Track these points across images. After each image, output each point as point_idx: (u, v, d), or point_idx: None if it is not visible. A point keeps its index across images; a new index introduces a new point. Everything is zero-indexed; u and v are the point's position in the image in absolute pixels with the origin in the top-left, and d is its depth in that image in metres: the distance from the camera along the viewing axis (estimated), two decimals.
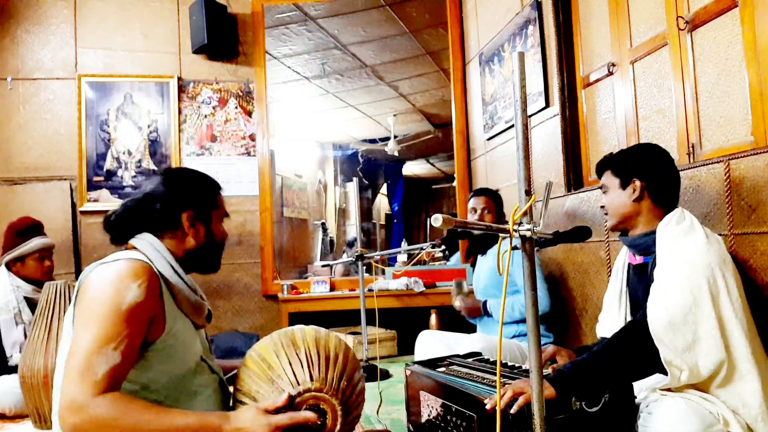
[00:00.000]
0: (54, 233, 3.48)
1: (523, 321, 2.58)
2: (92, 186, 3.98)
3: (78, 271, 3.89)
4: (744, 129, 1.84)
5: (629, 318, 1.76)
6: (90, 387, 1.09)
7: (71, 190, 3.95)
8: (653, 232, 1.61)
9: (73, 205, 3.94)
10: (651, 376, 1.52)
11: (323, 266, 4.56)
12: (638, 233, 1.68)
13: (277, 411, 1.19)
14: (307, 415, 1.19)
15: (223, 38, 4.05)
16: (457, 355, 2.03)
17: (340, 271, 4.62)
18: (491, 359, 1.95)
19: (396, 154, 6.00)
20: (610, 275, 1.93)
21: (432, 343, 2.53)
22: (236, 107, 4.22)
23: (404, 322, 3.83)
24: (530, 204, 1.11)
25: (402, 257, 4.42)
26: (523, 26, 3.16)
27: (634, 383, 1.53)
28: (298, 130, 5.75)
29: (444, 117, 4.92)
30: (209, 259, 1.45)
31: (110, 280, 1.20)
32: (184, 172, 1.47)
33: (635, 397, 1.54)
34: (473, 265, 3.16)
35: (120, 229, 1.38)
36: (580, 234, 1.58)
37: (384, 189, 6.98)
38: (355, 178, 3.52)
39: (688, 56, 2.07)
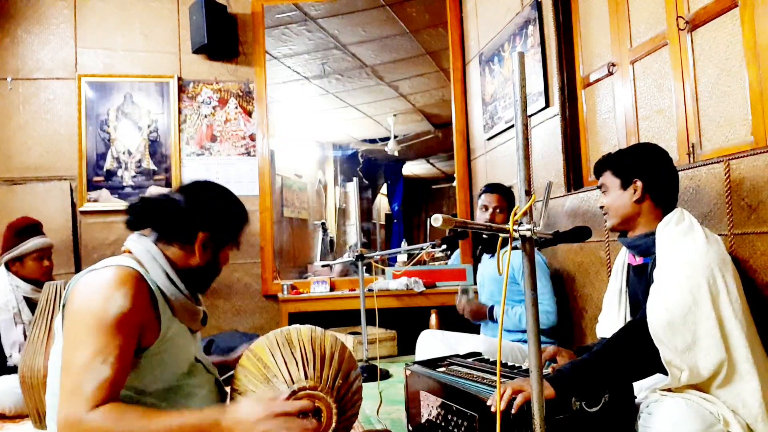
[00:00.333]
0: (54, 233, 3.48)
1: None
2: (92, 186, 3.98)
3: (78, 271, 3.87)
4: (744, 129, 1.84)
5: (629, 318, 1.76)
6: (82, 403, 1.09)
7: (71, 190, 3.95)
8: (653, 233, 1.61)
9: (73, 205, 3.94)
10: (651, 376, 1.52)
11: (323, 266, 4.56)
12: (637, 234, 1.68)
13: None
14: (302, 403, 1.18)
15: (223, 38, 4.05)
16: (457, 355, 2.03)
17: (340, 271, 4.62)
18: (491, 359, 1.95)
19: (396, 154, 6.00)
20: (610, 275, 1.93)
21: (433, 342, 2.53)
22: (236, 107, 4.22)
23: (404, 322, 3.83)
24: (530, 204, 1.11)
25: (402, 257, 4.42)
26: (523, 26, 3.16)
27: (634, 383, 1.53)
28: (298, 130, 5.75)
29: (444, 117, 4.92)
30: (203, 281, 1.42)
31: (96, 290, 1.18)
32: (222, 194, 1.44)
33: (635, 397, 1.54)
34: (474, 266, 3.15)
35: (141, 218, 1.36)
36: (580, 234, 1.58)
37: (384, 189, 6.98)
38: (355, 178, 3.52)
39: (688, 56, 2.07)
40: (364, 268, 3.27)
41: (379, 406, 2.50)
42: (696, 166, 1.92)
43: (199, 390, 1.35)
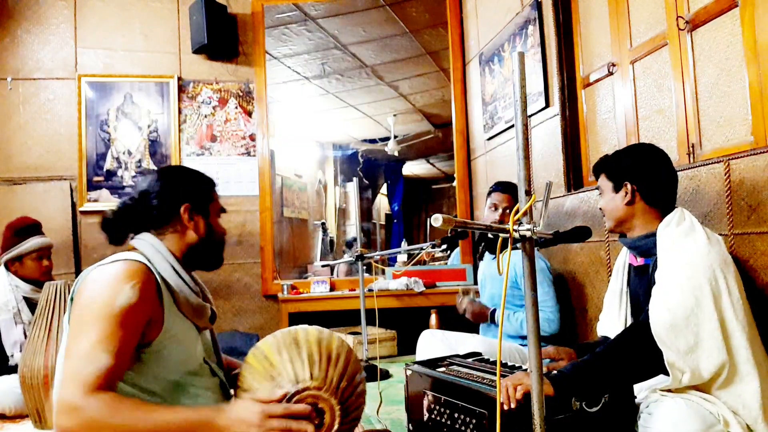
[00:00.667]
0: (54, 233, 3.48)
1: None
2: (92, 186, 3.98)
3: (78, 271, 3.89)
4: (744, 129, 1.84)
5: (629, 319, 1.76)
6: (80, 388, 1.10)
7: (71, 190, 3.95)
8: (653, 234, 1.61)
9: (73, 205, 3.94)
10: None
11: (323, 266, 4.56)
12: (637, 235, 1.68)
13: None
14: (300, 407, 1.18)
15: (223, 38, 4.05)
16: (457, 355, 2.03)
17: (341, 271, 4.62)
18: (491, 359, 1.95)
19: (396, 154, 5.99)
20: (610, 275, 1.93)
21: (433, 342, 2.52)
22: (236, 107, 4.22)
23: (404, 322, 3.83)
24: (530, 204, 1.12)
25: (402, 257, 4.42)
26: (523, 26, 3.16)
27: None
28: (298, 130, 5.74)
29: (444, 117, 4.92)
30: (212, 253, 1.45)
31: (104, 282, 1.20)
32: (178, 169, 1.49)
33: (635, 398, 1.54)
34: (474, 265, 3.15)
35: (118, 229, 1.38)
36: (580, 234, 1.58)
37: (384, 189, 6.97)
38: (355, 178, 3.51)
39: (688, 56, 2.07)
40: (364, 268, 3.27)
41: (379, 406, 2.50)
42: (696, 166, 1.92)
43: (203, 392, 1.35)
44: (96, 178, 3.99)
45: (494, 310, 2.69)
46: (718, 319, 1.41)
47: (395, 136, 5.88)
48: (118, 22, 4.09)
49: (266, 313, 4.13)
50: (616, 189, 1.69)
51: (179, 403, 1.28)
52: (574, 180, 2.81)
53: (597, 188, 1.79)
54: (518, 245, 1.15)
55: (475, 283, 3.23)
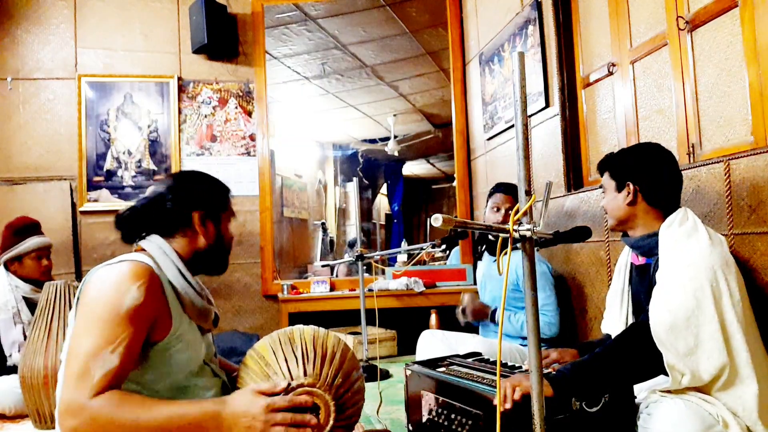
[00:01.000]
0: (54, 233, 3.49)
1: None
2: (92, 186, 3.98)
3: (78, 271, 3.89)
4: (744, 129, 1.84)
5: (631, 318, 1.76)
6: (87, 389, 1.10)
7: (71, 190, 3.95)
8: (655, 234, 1.61)
9: (73, 205, 3.94)
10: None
11: (323, 266, 4.56)
12: (639, 235, 1.68)
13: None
14: (303, 398, 1.20)
15: (223, 38, 4.05)
16: (457, 355, 2.03)
17: (341, 271, 4.62)
18: (491, 359, 1.95)
19: (396, 154, 5.99)
20: (610, 275, 1.94)
21: (433, 342, 2.52)
22: (236, 107, 4.22)
23: (404, 322, 3.82)
24: (530, 204, 1.11)
25: (402, 257, 4.42)
26: (523, 26, 3.16)
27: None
28: (298, 130, 5.74)
29: (444, 117, 4.92)
30: (218, 259, 1.46)
31: (110, 282, 1.20)
32: (196, 175, 1.49)
33: (635, 398, 1.54)
34: (474, 266, 3.15)
35: (131, 227, 1.39)
36: (580, 234, 1.58)
37: (384, 189, 6.97)
38: (355, 178, 3.51)
39: (688, 56, 2.07)
40: (364, 268, 3.27)
41: (379, 406, 2.50)
42: (696, 166, 1.92)
43: (207, 392, 1.35)
44: (96, 178, 3.99)
45: (495, 310, 2.69)
46: (718, 320, 1.41)
47: (395, 136, 5.88)
48: (118, 22, 4.09)
49: (266, 313, 4.13)
50: (619, 188, 1.69)
51: None
52: (574, 180, 2.81)
53: (600, 186, 1.79)
54: (518, 245, 1.15)
55: (475, 283, 3.23)
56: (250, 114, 4.23)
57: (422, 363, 1.94)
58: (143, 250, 1.34)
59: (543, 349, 1.85)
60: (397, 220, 6.70)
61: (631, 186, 1.65)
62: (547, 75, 2.94)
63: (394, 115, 5.87)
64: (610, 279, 1.99)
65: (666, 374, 1.43)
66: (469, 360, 1.94)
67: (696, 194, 1.91)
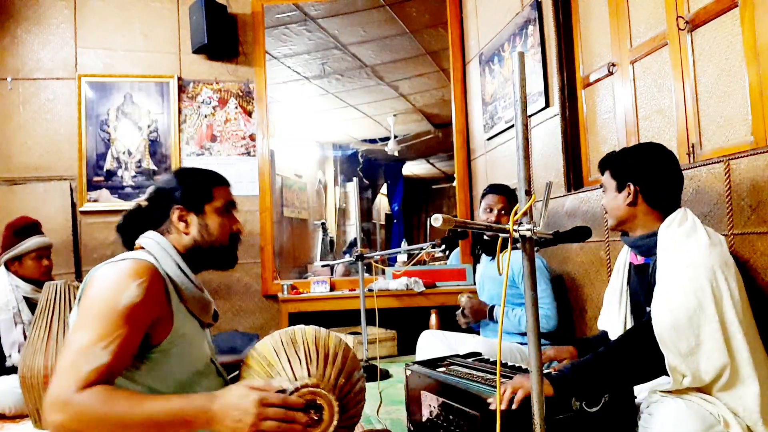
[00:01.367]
0: (54, 233, 3.49)
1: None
2: (92, 186, 3.98)
3: (78, 271, 3.89)
4: (744, 129, 1.84)
5: (629, 317, 1.76)
6: (73, 383, 1.07)
7: (71, 190, 3.95)
8: (654, 234, 1.61)
9: (73, 205, 3.94)
10: None
11: (323, 266, 4.56)
12: (638, 234, 1.68)
13: None
14: (294, 399, 1.17)
15: (223, 38, 4.05)
16: (457, 355, 2.03)
17: (341, 271, 4.62)
18: (491, 359, 1.95)
19: (396, 154, 6.00)
20: (610, 275, 1.93)
21: (433, 343, 2.53)
22: (236, 107, 4.22)
23: (404, 322, 3.83)
24: (530, 204, 1.11)
25: (402, 257, 4.42)
26: (523, 26, 3.16)
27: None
28: (298, 130, 5.74)
29: (444, 117, 4.92)
30: (216, 254, 1.42)
31: (111, 279, 1.19)
32: (185, 170, 1.48)
33: (635, 398, 1.54)
34: (474, 266, 3.15)
35: (127, 231, 1.40)
36: (580, 234, 1.58)
37: (384, 189, 6.97)
38: (355, 178, 3.51)
39: (688, 56, 2.07)
40: (364, 268, 3.27)
41: (379, 406, 2.50)
42: (696, 166, 1.92)
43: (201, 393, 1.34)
44: (96, 178, 3.99)
45: (493, 307, 2.69)
46: (719, 320, 1.40)
47: (395, 136, 5.88)
48: (118, 22, 4.09)
49: (266, 313, 4.13)
50: (619, 189, 1.68)
51: None
52: (574, 180, 2.81)
53: (600, 185, 1.79)
54: (518, 245, 1.15)
55: (474, 284, 3.23)
56: (250, 114, 4.23)
57: (422, 363, 1.94)
58: (142, 248, 1.34)
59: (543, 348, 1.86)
60: (397, 220, 6.70)
61: (632, 187, 1.65)
62: (547, 75, 2.94)
63: (394, 115, 5.87)
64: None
65: (667, 375, 1.43)
66: (469, 360, 1.94)
67: (696, 194, 1.91)
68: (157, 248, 1.32)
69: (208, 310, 1.40)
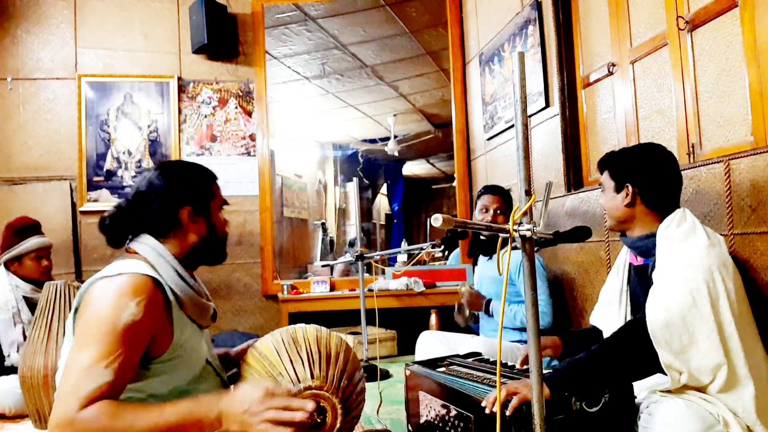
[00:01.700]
0: (54, 233, 3.49)
1: (524, 329, 2.55)
2: (92, 186, 3.98)
3: (78, 271, 3.89)
4: (744, 129, 1.84)
5: (629, 317, 1.76)
6: (77, 402, 1.08)
7: (71, 190, 3.95)
8: (653, 235, 1.61)
9: (73, 205, 3.94)
10: (652, 377, 1.51)
11: (323, 266, 4.56)
12: (637, 235, 1.68)
13: None
14: (297, 402, 1.16)
15: (223, 38, 4.05)
16: (457, 355, 2.03)
17: (340, 271, 4.62)
18: (491, 359, 1.95)
19: (396, 154, 5.99)
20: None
21: (433, 343, 2.52)
22: (236, 107, 4.22)
23: (404, 322, 3.82)
24: (530, 204, 1.11)
25: (402, 257, 4.42)
26: (523, 26, 3.16)
27: (633, 383, 1.53)
28: (298, 130, 5.74)
29: (444, 117, 4.92)
30: (214, 251, 1.43)
31: (109, 297, 1.18)
32: (178, 166, 1.45)
33: (635, 398, 1.54)
34: (474, 266, 3.15)
35: (117, 231, 1.35)
36: (580, 234, 1.57)
37: (384, 189, 6.97)
38: (355, 178, 3.51)
39: (688, 56, 2.07)
40: (364, 268, 3.27)
41: (379, 406, 2.50)
42: (696, 166, 1.92)
43: (207, 394, 1.34)
44: (96, 178, 3.99)
45: (489, 301, 2.70)
46: (715, 321, 1.40)
47: (395, 136, 5.88)
48: (118, 22, 4.09)
49: (266, 313, 4.13)
50: (618, 189, 1.68)
51: None
52: (574, 180, 2.81)
53: (600, 185, 1.79)
54: (518, 245, 1.15)
55: (474, 284, 3.23)
56: (250, 114, 4.23)
57: (422, 363, 1.94)
58: (136, 253, 1.31)
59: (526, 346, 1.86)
60: (397, 220, 6.70)
61: (630, 188, 1.65)
62: (547, 75, 2.94)
63: (394, 115, 5.87)
64: None
65: (662, 373, 1.43)
66: (469, 360, 1.94)
67: (696, 194, 1.91)
68: (153, 255, 1.29)
69: (206, 313, 1.39)
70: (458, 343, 2.46)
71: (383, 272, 4.15)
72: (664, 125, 2.24)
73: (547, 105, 2.93)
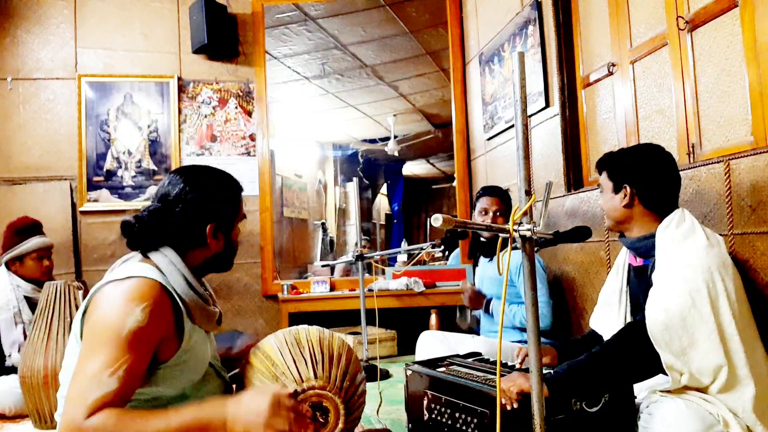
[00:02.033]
0: (54, 233, 3.48)
1: (524, 329, 2.55)
2: (92, 186, 3.98)
3: (78, 271, 3.89)
4: (744, 129, 1.84)
5: (629, 318, 1.76)
6: (82, 411, 1.08)
7: (71, 190, 3.95)
8: (652, 236, 1.61)
9: (73, 205, 3.94)
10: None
11: (323, 266, 4.56)
12: (636, 236, 1.68)
13: None
14: (304, 408, 1.18)
15: (223, 38, 4.05)
16: (457, 355, 2.03)
17: (342, 271, 4.62)
18: (491, 359, 1.95)
19: (396, 154, 5.99)
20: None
21: (433, 343, 2.52)
22: (236, 107, 4.22)
23: (404, 322, 3.82)
24: (530, 204, 1.11)
25: (402, 257, 4.42)
26: (523, 26, 3.16)
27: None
28: (298, 130, 5.74)
29: (444, 117, 4.92)
30: (226, 262, 1.43)
31: (115, 303, 1.18)
32: (210, 178, 1.39)
33: (635, 398, 1.54)
34: (474, 266, 3.15)
35: (139, 237, 1.32)
36: (580, 234, 1.58)
37: (384, 189, 6.97)
38: (355, 178, 3.51)
39: (688, 56, 2.07)
40: (365, 268, 3.27)
41: (379, 406, 2.50)
42: (696, 166, 1.92)
43: (210, 396, 1.34)
44: (96, 178, 3.99)
45: (490, 300, 2.70)
46: (715, 322, 1.40)
47: (395, 136, 5.88)
48: (118, 22, 4.09)
49: (266, 313, 4.13)
50: (616, 190, 1.69)
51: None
52: (574, 180, 2.81)
53: (598, 186, 1.79)
54: (518, 245, 1.15)
55: (474, 284, 3.23)
56: (250, 114, 4.23)
57: (422, 363, 1.94)
58: (149, 258, 1.30)
59: (524, 346, 1.86)
60: (397, 220, 6.70)
61: (628, 189, 1.65)
62: (547, 75, 2.94)
63: (394, 115, 5.87)
64: None
65: (663, 374, 1.43)
66: (469, 360, 1.94)
67: (696, 194, 1.91)
68: (165, 262, 1.28)
69: (212, 319, 1.39)
70: (458, 343, 2.46)
71: (383, 272, 4.15)
72: (664, 125, 2.24)
73: (547, 105, 2.93)
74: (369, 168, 6.40)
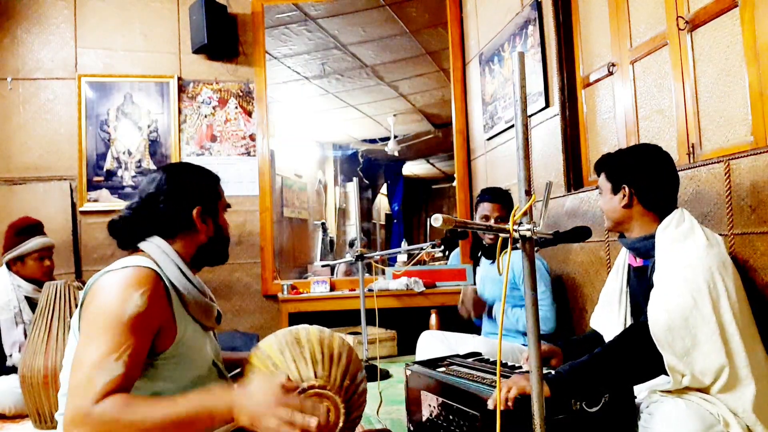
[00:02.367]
0: (54, 233, 3.48)
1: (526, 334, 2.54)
2: (92, 186, 3.98)
3: (78, 271, 3.89)
4: (744, 129, 1.84)
5: (629, 319, 1.76)
6: (90, 397, 1.08)
7: (71, 190, 3.95)
8: (652, 236, 1.61)
9: (73, 205, 3.94)
10: None
11: (323, 266, 4.56)
12: (635, 236, 1.68)
13: None
14: (310, 404, 1.16)
15: (223, 38, 4.05)
16: (457, 355, 2.02)
17: (341, 271, 4.62)
18: (491, 359, 1.95)
19: (396, 154, 6.00)
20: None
21: (433, 343, 2.52)
22: (236, 107, 4.22)
23: (404, 322, 3.83)
24: (530, 204, 1.11)
25: (402, 257, 4.42)
26: (523, 26, 3.16)
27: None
28: (298, 130, 5.75)
29: (444, 117, 4.92)
30: (219, 251, 1.45)
31: (113, 290, 1.19)
32: (185, 168, 1.46)
33: (635, 398, 1.54)
34: (475, 267, 3.15)
35: (128, 233, 1.36)
36: (580, 234, 1.58)
37: (384, 189, 6.98)
38: (355, 178, 3.51)
39: (688, 56, 2.07)
40: (365, 268, 3.27)
41: (379, 406, 2.50)
42: (696, 166, 1.92)
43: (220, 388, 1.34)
44: (96, 178, 3.99)
45: (491, 305, 2.69)
46: (716, 322, 1.40)
47: (395, 136, 5.88)
48: (118, 22, 4.09)
49: (266, 313, 4.13)
50: (615, 191, 1.69)
51: None
52: (574, 180, 2.81)
53: (597, 187, 1.79)
54: (518, 245, 1.15)
55: (475, 284, 3.23)
56: (250, 114, 4.23)
57: (422, 363, 1.94)
58: (142, 251, 1.32)
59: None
60: (397, 220, 6.71)
61: (627, 189, 1.65)
62: (547, 75, 2.94)
63: (394, 115, 5.87)
64: None
65: (665, 374, 1.43)
66: (469, 360, 1.94)
67: (696, 194, 1.91)
68: (158, 252, 1.31)
69: (210, 314, 1.39)
70: (459, 343, 2.46)
71: (383, 272, 4.15)
72: (664, 125, 2.24)
73: (547, 105, 2.93)
74: (369, 168, 6.40)
